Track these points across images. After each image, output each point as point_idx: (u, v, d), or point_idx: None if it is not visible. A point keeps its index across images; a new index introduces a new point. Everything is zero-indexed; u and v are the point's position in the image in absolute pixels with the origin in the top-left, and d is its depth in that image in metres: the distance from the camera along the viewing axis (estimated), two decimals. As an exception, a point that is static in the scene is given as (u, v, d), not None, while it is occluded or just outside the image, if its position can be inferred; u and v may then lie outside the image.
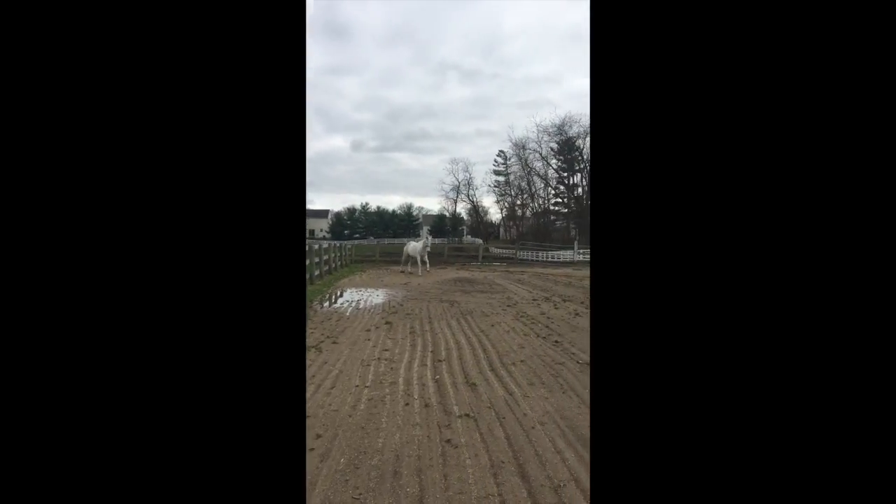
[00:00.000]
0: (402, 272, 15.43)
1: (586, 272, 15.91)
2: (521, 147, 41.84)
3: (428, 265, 15.82)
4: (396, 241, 42.56)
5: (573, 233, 37.94)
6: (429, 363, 4.44)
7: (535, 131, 51.37)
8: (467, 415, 3.14)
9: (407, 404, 3.34)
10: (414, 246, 15.99)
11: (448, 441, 2.74)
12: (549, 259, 23.98)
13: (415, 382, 3.84)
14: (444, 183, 48.95)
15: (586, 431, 2.88)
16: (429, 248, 16.10)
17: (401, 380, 3.91)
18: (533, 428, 2.94)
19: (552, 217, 42.81)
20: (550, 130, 40.49)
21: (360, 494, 2.18)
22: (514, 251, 25.46)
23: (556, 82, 58.63)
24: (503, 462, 2.49)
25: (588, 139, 39.20)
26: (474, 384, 3.80)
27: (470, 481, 2.30)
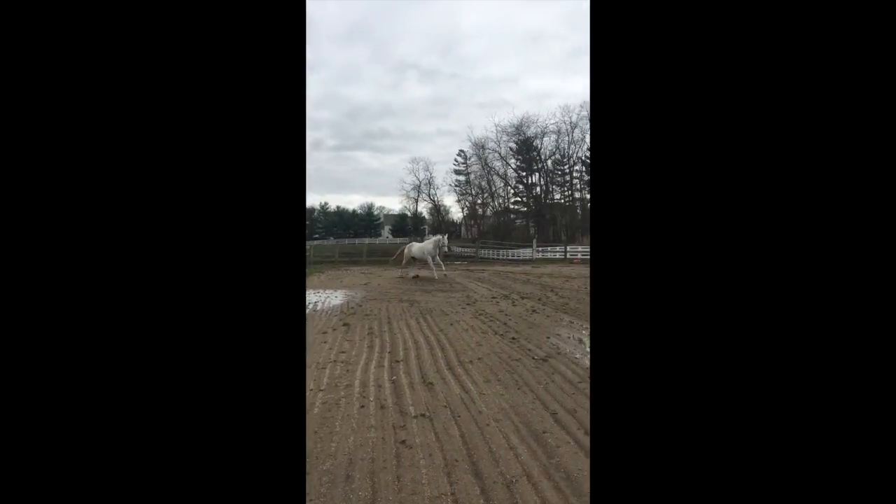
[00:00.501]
0: (402, 277, 13.62)
1: (544, 269, 16.22)
2: (480, 147, 42.20)
3: (443, 266, 13.67)
4: (357, 241, 42.04)
5: (532, 231, 38.63)
6: (386, 364, 4.40)
7: (494, 131, 51.91)
8: (423, 415, 3.13)
9: (362, 406, 3.30)
10: (420, 247, 13.90)
11: (403, 442, 2.72)
12: (509, 257, 24.31)
13: (371, 384, 3.80)
14: (404, 182, 48.91)
15: (539, 426, 2.94)
16: (445, 248, 13.95)
17: (357, 382, 3.86)
18: (487, 425, 2.96)
19: (512, 216, 43.42)
20: (509, 130, 41.01)
21: (311, 500, 2.14)
22: (474, 250, 25.65)
23: (513, 83, 59.37)
24: (457, 461, 2.50)
25: (545, 139, 40.02)
26: (431, 384, 3.79)
27: (423, 481, 2.30)
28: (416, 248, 14.03)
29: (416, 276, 13.38)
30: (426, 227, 47.10)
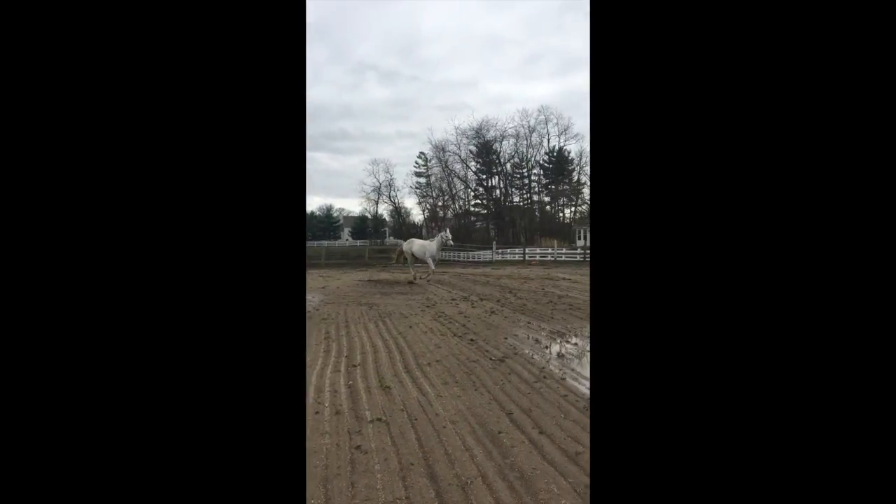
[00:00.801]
0: (410, 280, 12.34)
1: (503, 271, 16.43)
2: (441, 149, 42.31)
3: (433, 267, 12.67)
4: (315, 243, 41.22)
5: (492, 233, 39.09)
6: (342, 369, 4.33)
7: (455, 134, 51.95)
8: (379, 419, 3.10)
9: (317, 413, 3.22)
10: (422, 245, 12.72)
11: (358, 447, 2.68)
12: (470, 259, 24.50)
13: (326, 389, 3.73)
14: (364, 184, 48.24)
15: (495, 427, 2.96)
16: (450, 242, 12.80)
17: (311, 388, 3.77)
18: (444, 427, 2.96)
19: (472, 218, 43.78)
20: (469, 134, 41.37)
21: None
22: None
23: (472, 86, 59.66)
24: (412, 464, 2.49)
25: (504, 143, 40.59)
26: (388, 387, 3.76)
27: (378, 487, 2.27)
28: (417, 245, 12.79)
29: (371, 281, 12.99)
30: (387, 229, 46.76)
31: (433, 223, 45.94)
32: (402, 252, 13.19)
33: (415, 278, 12.58)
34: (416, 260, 12.84)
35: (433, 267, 12.50)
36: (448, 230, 12.95)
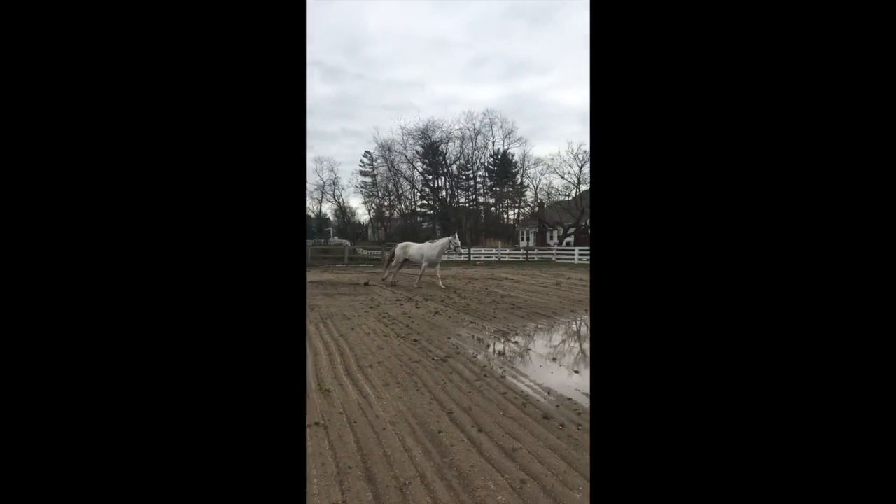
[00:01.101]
0: (383, 282, 11.63)
1: (448, 272, 16.52)
2: (387, 149, 42.01)
3: (436, 271, 11.55)
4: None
5: (438, 233, 39.23)
6: (280, 372, 4.19)
7: (401, 134, 51.79)
8: (317, 423, 3.03)
9: (251, 419, 3.10)
10: (419, 248, 11.52)
11: (294, 453, 2.60)
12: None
13: (262, 394, 3.59)
14: (308, 182, 46.78)
15: (435, 427, 2.98)
16: (458, 247, 11.57)
17: (247, 393, 3.62)
18: (384, 429, 2.95)
19: (419, 218, 43.78)
20: (415, 134, 41.37)
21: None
22: (381, 252, 25.44)
23: (419, 87, 59.73)
24: (350, 468, 2.45)
25: (450, 144, 40.90)
26: (328, 390, 3.68)
27: (314, 492, 2.22)
28: (413, 249, 11.63)
29: (313, 282, 12.30)
30: (331, 228, 45.76)
31: (379, 223, 45.51)
32: (392, 258, 12.04)
33: (393, 281, 12.04)
34: (411, 265, 11.98)
35: (425, 270, 11.46)
36: (457, 235, 11.78)
